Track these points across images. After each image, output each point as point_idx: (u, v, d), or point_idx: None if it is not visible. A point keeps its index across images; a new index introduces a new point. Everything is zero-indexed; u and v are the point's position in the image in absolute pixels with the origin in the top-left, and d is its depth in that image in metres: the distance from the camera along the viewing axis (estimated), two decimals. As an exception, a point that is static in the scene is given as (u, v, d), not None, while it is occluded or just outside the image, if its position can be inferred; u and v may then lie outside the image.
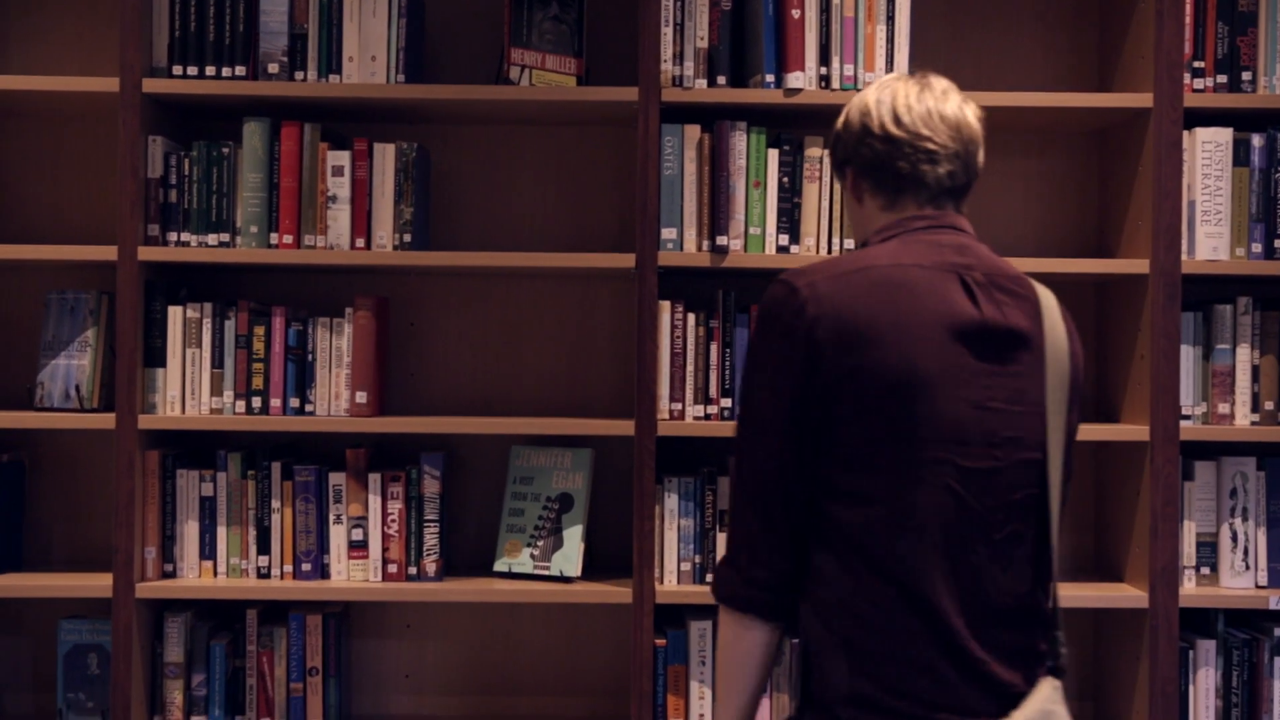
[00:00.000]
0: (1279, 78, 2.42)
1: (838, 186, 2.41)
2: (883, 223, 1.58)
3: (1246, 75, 2.42)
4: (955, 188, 1.56)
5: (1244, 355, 2.44)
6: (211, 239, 2.42)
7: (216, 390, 2.42)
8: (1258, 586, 2.43)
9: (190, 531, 2.43)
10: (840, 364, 1.43)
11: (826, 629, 1.46)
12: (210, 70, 2.41)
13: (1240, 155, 2.41)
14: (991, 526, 1.46)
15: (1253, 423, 2.43)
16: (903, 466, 1.43)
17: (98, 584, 2.37)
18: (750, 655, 1.51)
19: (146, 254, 2.37)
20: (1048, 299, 1.54)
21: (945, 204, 1.57)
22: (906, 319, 1.44)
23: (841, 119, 1.62)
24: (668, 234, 2.39)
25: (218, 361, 2.42)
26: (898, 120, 1.55)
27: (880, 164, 1.56)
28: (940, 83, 1.58)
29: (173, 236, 2.42)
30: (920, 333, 1.44)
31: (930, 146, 1.54)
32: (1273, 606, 2.39)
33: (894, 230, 1.55)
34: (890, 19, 2.40)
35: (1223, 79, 2.42)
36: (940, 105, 1.55)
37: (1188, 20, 2.41)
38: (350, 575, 2.43)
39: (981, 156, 1.60)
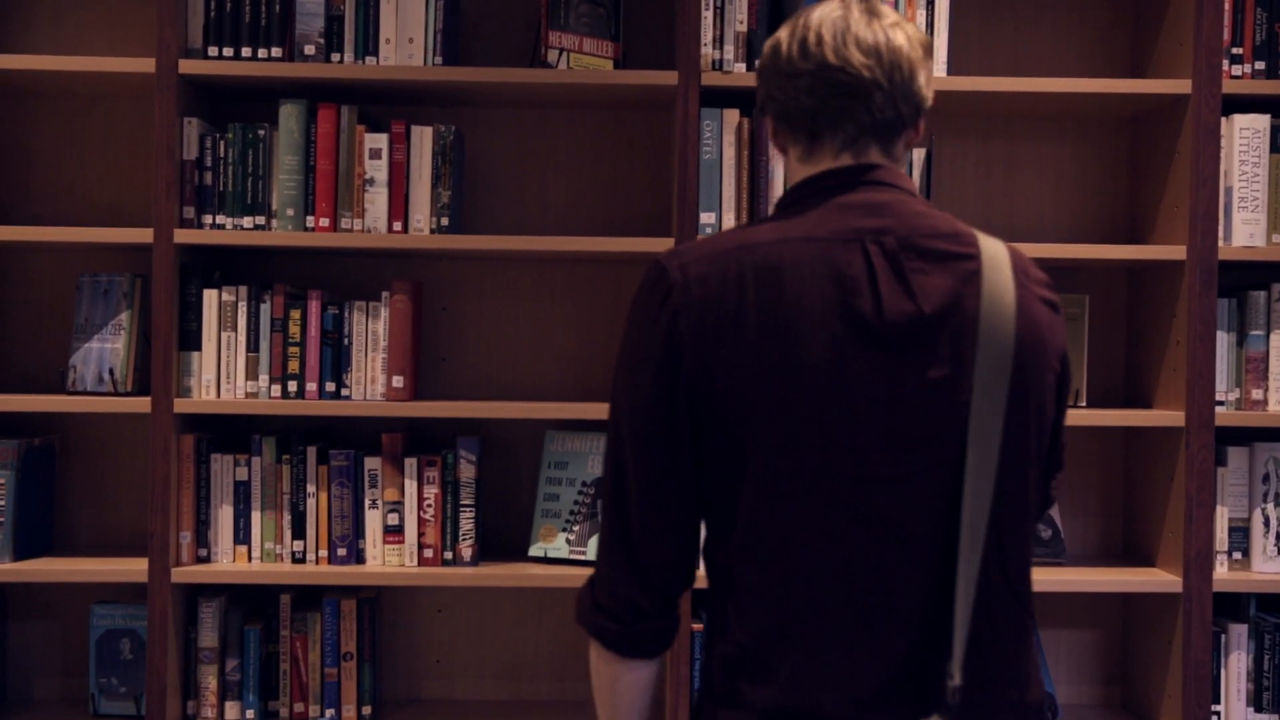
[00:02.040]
0: (1314, 65, 2.43)
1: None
2: (798, 179, 1.33)
3: (1285, 62, 2.44)
4: (878, 124, 1.29)
5: (1277, 341, 2.45)
6: (247, 222, 2.40)
7: (251, 374, 2.41)
8: (1288, 571, 2.46)
9: (225, 516, 2.42)
10: (703, 363, 1.23)
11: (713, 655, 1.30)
12: (246, 51, 2.39)
13: (1278, 142, 2.42)
14: (900, 542, 1.22)
15: (1286, 408, 2.45)
16: (780, 481, 1.22)
17: (132, 569, 2.36)
18: (614, 690, 1.33)
19: (182, 236, 2.35)
20: (994, 261, 1.25)
21: (869, 147, 1.30)
22: (781, 309, 1.21)
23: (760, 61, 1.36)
24: (706, 218, 2.38)
25: (253, 345, 2.41)
26: (805, 51, 1.28)
27: (790, 104, 1.30)
28: (879, 8, 1.31)
29: (208, 219, 2.40)
30: (797, 325, 1.21)
31: (841, 77, 1.27)
32: (1306, 591, 2.41)
33: (798, 195, 1.31)
34: (929, 3, 2.40)
35: (1260, 65, 2.43)
36: (859, 29, 1.28)
37: (1226, 6, 2.42)
38: (385, 560, 2.43)
39: (922, 83, 1.31)
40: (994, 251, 1.27)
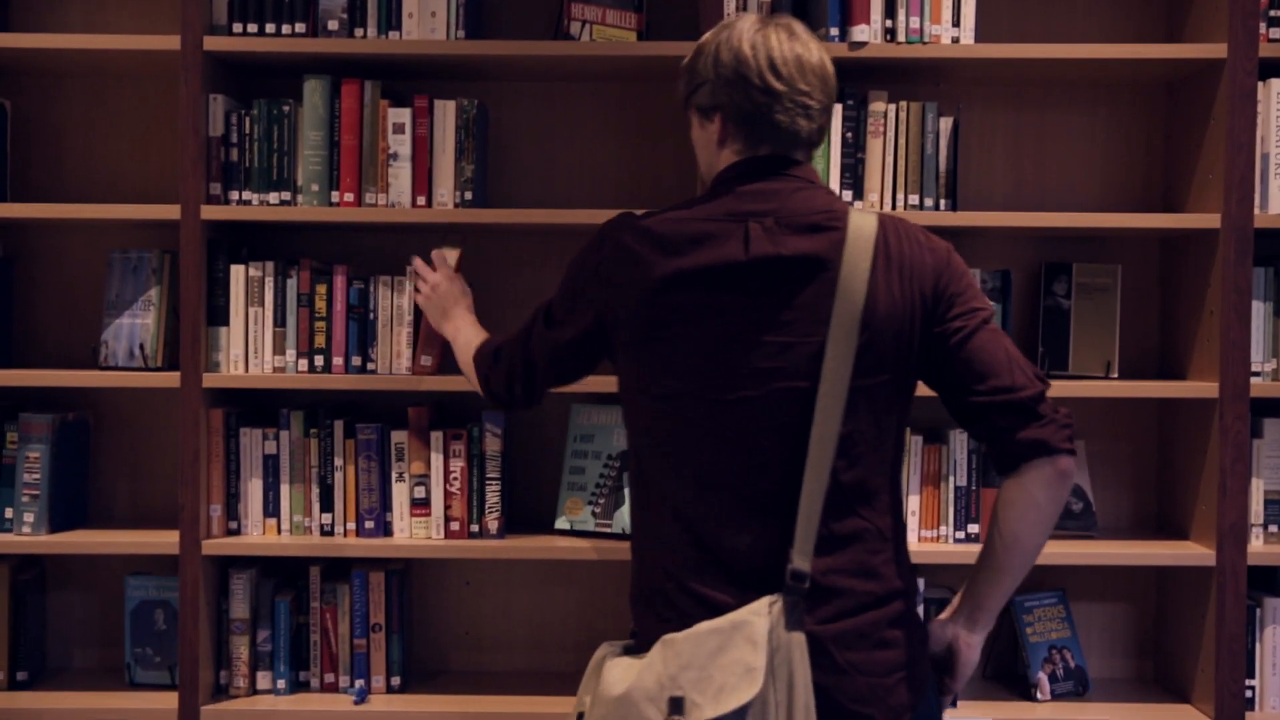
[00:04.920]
0: (1355, 26, 2.37)
1: (902, 141, 2.38)
2: (725, 164, 1.64)
3: (1323, 24, 2.37)
4: (814, 140, 1.63)
5: (1315, 311, 2.40)
6: (273, 198, 2.41)
7: (279, 349, 2.43)
8: (1325, 544, 2.41)
9: (254, 489, 2.45)
10: (608, 302, 1.62)
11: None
12: (270, 28, 2.39)
13: (1316, 106, 2.36)
14: (749, 452, 1.54)
15: (1323, 379, 2.40)
16: (652, 400, 1.59)
17: (165, 540, 2.40)
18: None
19: (209, 213, 2.37)
20: (859, 234, 1.55)
21: (795, 150, 1.62)
22: (667, 266, 1.56)
23: (706, 61, 1.63)
24: (730, 190, 2.36)
25: (280, 320, 2.43)
26: (775, 71, 1.58)
27: (758, 115, 1.59)
28: (797, 26, 1.63)
29: (234, 195, 2.42)
30: (674, 278, 1.56)
31: (808, 102, 1.59)
32: (1342, 564, 2.37)
33: (719, 182, 1.64)
34: (957, -31, 2.36)
35: (1299, 28, 2.37)
36: (807, 55, 1.60)
37: (1263, -33, 2.36)
38: (413, 533, 2.44)
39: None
40: (860, 223, 1.56)
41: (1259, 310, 2.39)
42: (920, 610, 1.83)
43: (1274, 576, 2.47)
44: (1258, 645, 2.42)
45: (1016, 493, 1.57)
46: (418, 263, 2.27)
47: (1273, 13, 2.37)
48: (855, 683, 1.52)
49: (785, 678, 1.47)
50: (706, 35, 1.66)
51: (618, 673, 1.55)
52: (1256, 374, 2.39)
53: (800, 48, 1.59)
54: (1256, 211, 2.35)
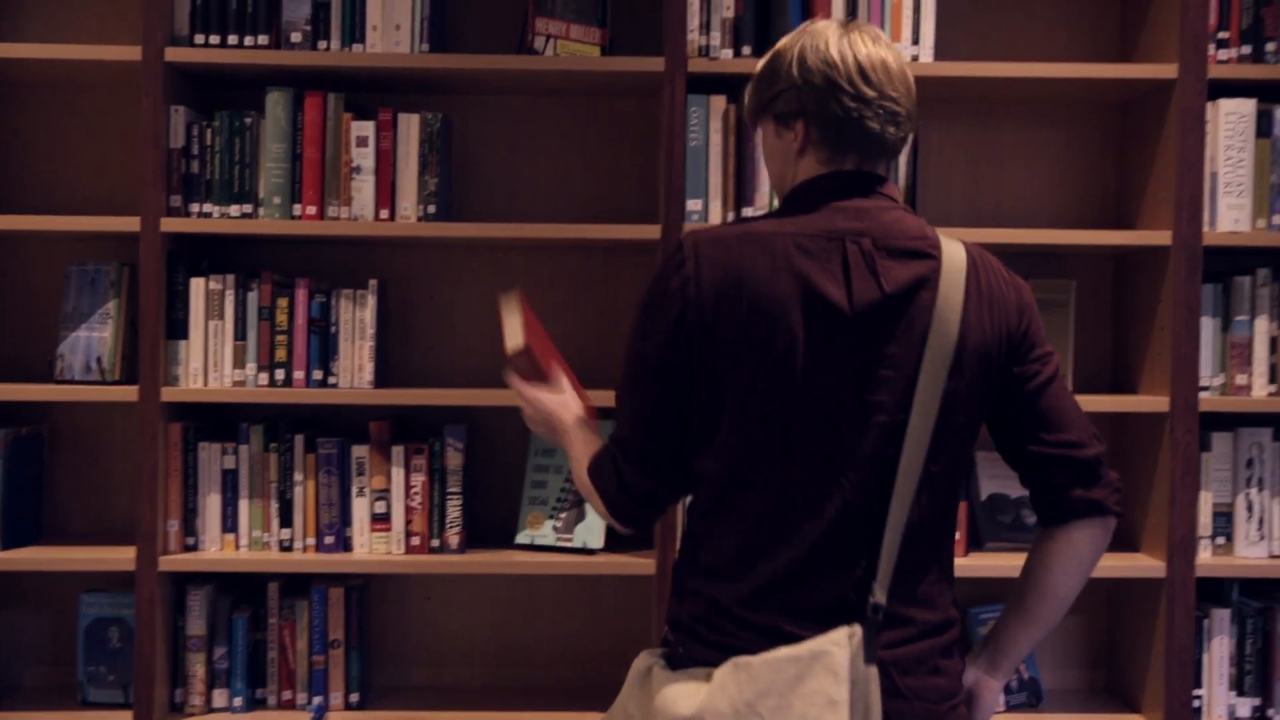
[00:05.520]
0: (1300, 50, 2.44)
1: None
2: (807, 176, 1.56)
3: (1271, 46, 2.44)
4: (898, 149, 1.56)
5: (1262, 327, 2.46)
6: (234, 210, 2.40)
7: (239, 362, 2.41)
8: (1271, 556, 2.46)
9: (212, 504, 2.42)
10: (703, 324, 1.49)
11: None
12: (233, 39, 2.38)
13: (1263, 126, 2.42)
14: (838, 482, 1.48)
15: (1270, 394, 2.46)
16: (753, 433, 1.49)
17: (120, 557, 2.36)
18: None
19: (169, 225, 2.35)
20: (953, 263, 1.50)
21: (879, 161, 1.55)
22: (765, 288, 1.47)
23: (788, 66, 1.54)
24: (693, 205, 2.38)
25: (240, 334, 2.41)
26: (865, 76, 1.51)
27: (848, 121, 1.51)
28: (879, 31, 1.56)
29: (195, 208, 2.40)
30: (773, 303, 1.46)
31: (896, 109, 1.52)
32: (1289, 575, 2.42)
33: (805, 194, 1.55)
34: (917, -12, 2.40)
35: (1247, 50, 2.43)
36: (893, 61, 1.53)
37: (1212, -9, 2.42)
38: (373, 548, 2.43)
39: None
40: (952, 252, 1.51)
41: (1208, 326, 2.44)
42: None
43: (1221, 587, 2.52)
44: (1205, 656, 2.46)
45: (1063, 546, 1.58)
46: (514, 381, 1.84)
47: (1221, 35, 2.43)
48: (915, 708, 1.50)
49: (862, 712, 1.45)
50: (784, 40, 1.59)
51: (677, 691, 1.50)
52: (1205, 388, 2.44)
53: (886, 52, 1.53)
54: (1206, 229, 2.41)
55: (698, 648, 1.53)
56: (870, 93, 1.50)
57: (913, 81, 1.55)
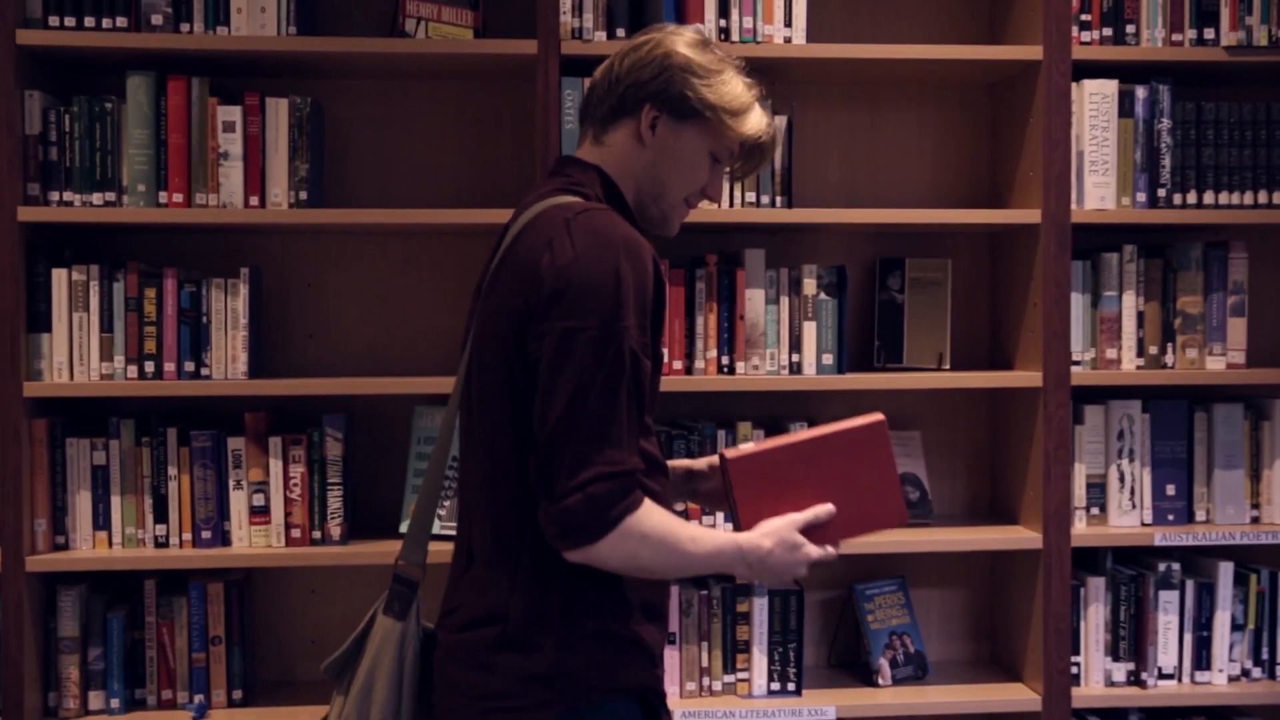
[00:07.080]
0: (1160, 30, 2.49)
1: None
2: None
3: (1130, 28, 2.49)
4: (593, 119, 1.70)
5: (1129, 302, 2.52)
6: (96, 198, 2.33)
7: (106, 355, 2.34)
8: (1143, 524, 2.53)
9: (82, 502, 2.36)
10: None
11: None
12: (89, 21, 2.31)
13: (1125, 106, 2.48)
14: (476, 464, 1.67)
15: (1138, 367, 2.52)
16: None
17: (-15, 558, 2.29)
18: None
19: (27, 214, 2.27)
20: (528, 218, 1.59)
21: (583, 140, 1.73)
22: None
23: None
24: (570, 189, 2.36)
25: (107, 325, 2.34)
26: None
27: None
28: (657, 29, 1.74)
29: (55, 196, 2.32)
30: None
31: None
32: (1158, 543, 2.49)
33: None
34: (789, -31, 2.41)
35: (1108, 32, 2.48)
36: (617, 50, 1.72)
37: (1075, -26, 2.47)
38: (252, 541, 2.38)
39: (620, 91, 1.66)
40: (533, 212, 1.60)
41: (1078, 302, 2.50)
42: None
43: (1096, 556, 2.59)
44: (1082, 624, 2.52)
45: None
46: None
47: (1084, 17, 2.48)
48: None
49: None
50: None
51: None
52: (1077, 363, 2.50)
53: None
54: (1074, 207, 2.46)
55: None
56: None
57: (625, 61, 1.66)
